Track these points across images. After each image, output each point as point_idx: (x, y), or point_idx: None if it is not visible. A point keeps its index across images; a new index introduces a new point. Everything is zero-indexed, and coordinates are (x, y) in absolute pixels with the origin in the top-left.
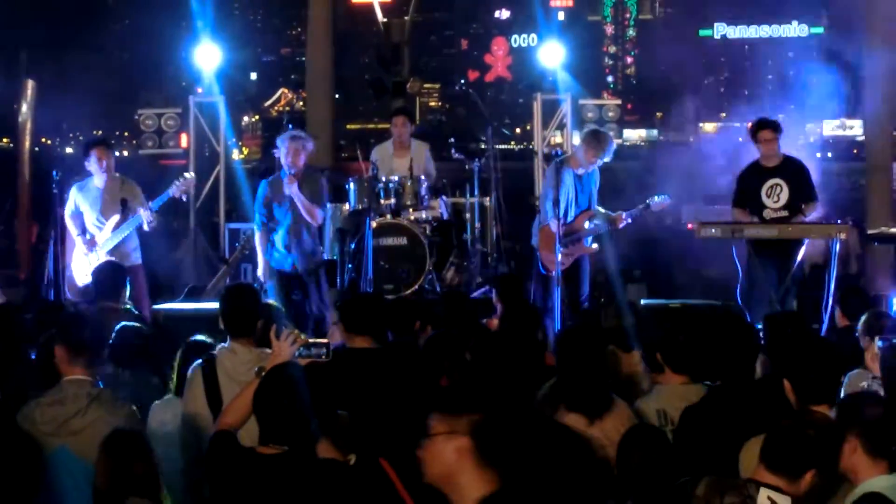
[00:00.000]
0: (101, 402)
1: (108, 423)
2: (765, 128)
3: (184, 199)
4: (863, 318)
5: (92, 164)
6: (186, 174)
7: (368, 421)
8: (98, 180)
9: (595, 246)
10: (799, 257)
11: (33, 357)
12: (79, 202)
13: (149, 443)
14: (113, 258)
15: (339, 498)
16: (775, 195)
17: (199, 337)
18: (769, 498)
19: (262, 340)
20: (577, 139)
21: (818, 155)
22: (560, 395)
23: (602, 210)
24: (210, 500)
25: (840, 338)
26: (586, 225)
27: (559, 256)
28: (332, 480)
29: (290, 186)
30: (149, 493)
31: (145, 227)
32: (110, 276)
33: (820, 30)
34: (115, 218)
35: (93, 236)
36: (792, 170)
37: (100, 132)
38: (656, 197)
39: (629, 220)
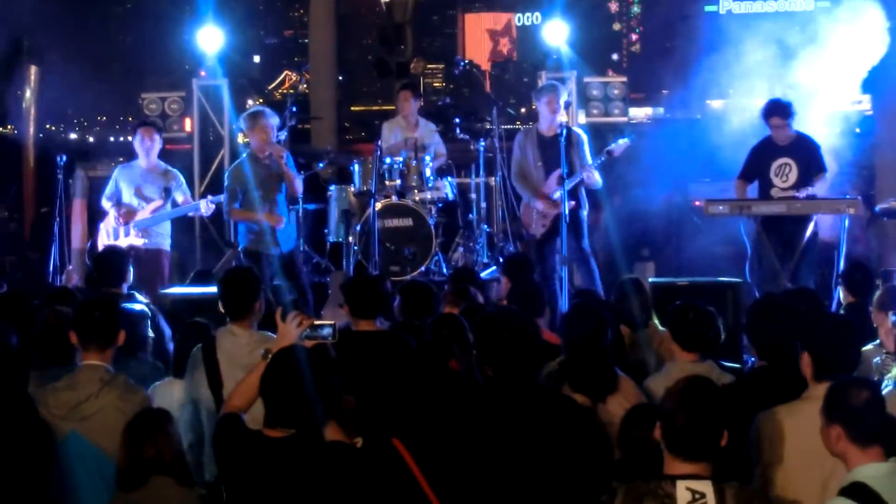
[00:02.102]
0: (113, 387)
1: (119, 409)
2: (775, 115)
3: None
4: (877, 293)
5: (136, 143)
6: None
7: (374, 403)
8: (142, 161)
9: (572, 202)
10: (808, 233)
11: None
12: (119, 180)
13: (173, 423)
14: (146, 240)
15: (346, 480)
16: (784, 174)
17: (197, 319)
18: (688, 488)
19: (261, 323)
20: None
21: (828, 130)
22: (564, 375)
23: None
24: (217, 482)
25: (847, 314)
26: (555, 185)
27: (536, 223)
28: (339, 463)
29: (281, 160)
30: (174, 473)
31: (203, 213)
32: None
33: (826, 3)
34: (157, 202)
35: (128, 211)
36: (802, 148)
37: (103, 117)
38: (619, 140)
39: (594, 169)
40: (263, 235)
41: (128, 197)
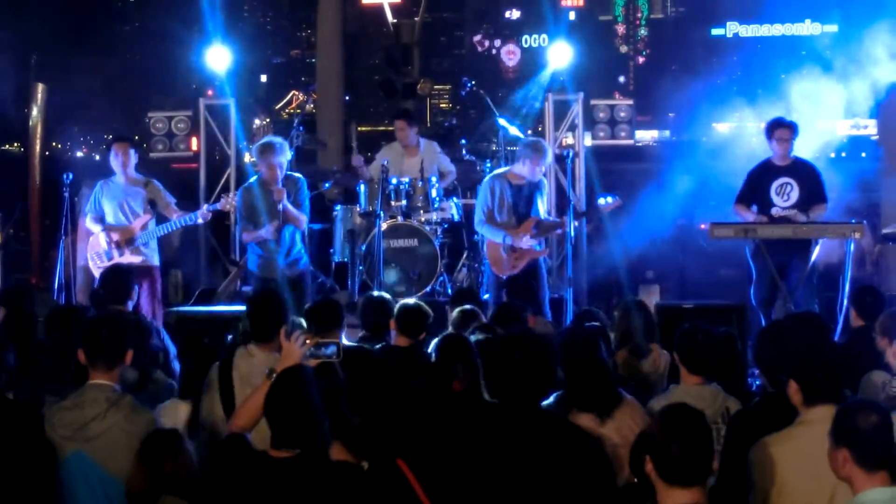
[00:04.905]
0: (119, 408)
1: (125, 430)
2: (782, 126)
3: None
4: (879, 318)
5: (111, 159)
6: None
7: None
8: (120, 177)
9: (545, 249)
10: (813, 257)
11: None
12: (101, 197)
13: (185, 443)
14: (135, 258)
15: (352, 500)
16: (785, 193)
17: (200, 339)
18: None
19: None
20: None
21: (832, 155)
22: (570, 397)
23: (549, 217)
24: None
25: (855, 338)
26: (530, 232)
27: (506, 263)
28: (344, 483)
29: (281, 201)
30: (187, 495)
31: (200, 222)
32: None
33: (833, 28)
34: (145, 217)
35: (118, 237)
36: (803, 171)
37: (109, 136)
38: (603, 199)
39: (576, 223)
40: (271, 262)
41: (111, 215)
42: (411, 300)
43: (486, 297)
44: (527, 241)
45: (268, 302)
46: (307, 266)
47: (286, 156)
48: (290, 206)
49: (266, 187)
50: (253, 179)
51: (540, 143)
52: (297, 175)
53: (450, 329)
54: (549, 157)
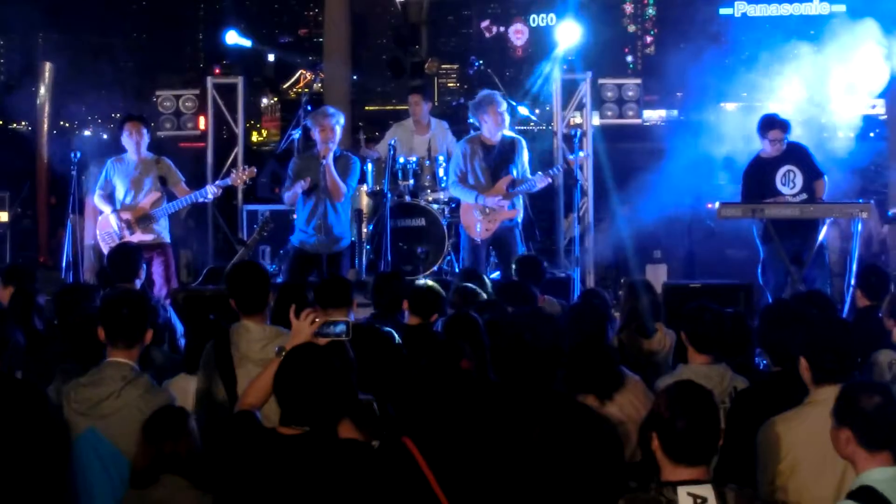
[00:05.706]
0: (135, 387)
1: (139, 409)
2: (775, 127)
3: (240, 187)
4: (886, 299)
5: (124, 138)
6: (248, 167)
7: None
8: (132, 155)
9: (517, 210)
10: (820, 237)
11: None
12: (112, 175)
13: (190, 422)
14: (147, 236)
15: (358, 478)
16: (790, 182)
17: (209, 315)
18: (690, 494)
19: (275, 318)
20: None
21: (840, 134)
22: (571, 377)
23: (527, 176)
24: (231, 480)
25: (861, 318)
26: (504, 192)
27: (480, 225)
28: (352, 461)
29: (326, 158)
30: (189, 473)
31: (209, 199)
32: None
33: (842, 8)
34: (155, 195)
35: (128, 216)
36: (798, 153)
37: (117, 115)
38: (570, 156)
39: (549, 180)
40: (312, 238)
41: (121, 192)
42: (425, 280)
43: (494, 275)
44: (499, 201)
45: (250, 274)
46: (347, 246)
47: (341, 122)
48: (332, 168)
49: (316, 158)
50: (312, 150)
51: (486, 94)
52: (352, 155)
53: (449, 308)
54: (504, 105)
